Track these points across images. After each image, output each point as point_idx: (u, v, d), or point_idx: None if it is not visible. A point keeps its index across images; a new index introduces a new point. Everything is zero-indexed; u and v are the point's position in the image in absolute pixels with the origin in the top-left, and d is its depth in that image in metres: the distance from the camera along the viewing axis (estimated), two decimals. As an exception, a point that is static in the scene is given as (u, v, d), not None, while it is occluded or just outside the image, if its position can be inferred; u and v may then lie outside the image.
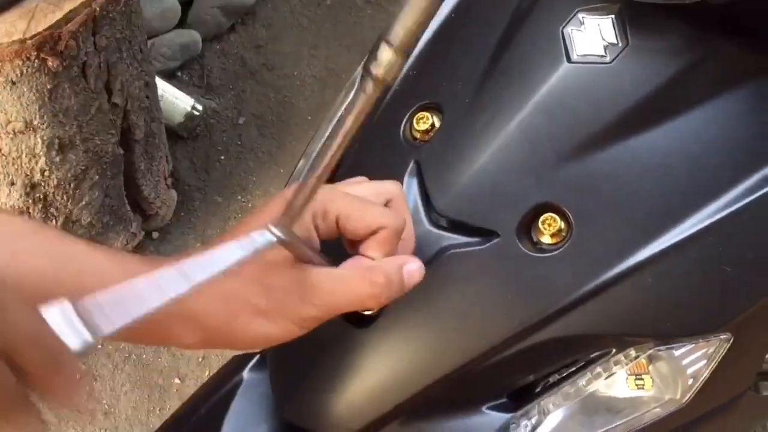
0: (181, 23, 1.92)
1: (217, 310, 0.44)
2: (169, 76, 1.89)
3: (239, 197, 1.79)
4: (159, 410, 1.52)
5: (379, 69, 0.36)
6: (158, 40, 1.85)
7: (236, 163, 1.84)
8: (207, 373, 1.57)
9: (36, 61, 1.17)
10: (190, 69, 1.95)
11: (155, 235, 1.71)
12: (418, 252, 0.57)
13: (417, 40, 0.35)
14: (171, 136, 1.75)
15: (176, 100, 1.77)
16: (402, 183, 0.59)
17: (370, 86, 0.36)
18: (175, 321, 0.43)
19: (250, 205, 1.79)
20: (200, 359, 1.58)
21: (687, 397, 0.59)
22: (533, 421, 0.60)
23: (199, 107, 1.81)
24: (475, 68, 0.60)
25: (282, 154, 1.87)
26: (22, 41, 1.14)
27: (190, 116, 1.79)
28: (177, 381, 1.56)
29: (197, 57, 1.97)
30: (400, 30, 0.35)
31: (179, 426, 0.68)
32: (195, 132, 1.84)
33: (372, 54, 0.36)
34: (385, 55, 0.35)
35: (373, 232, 0.46)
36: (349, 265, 0.46)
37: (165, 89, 1.74)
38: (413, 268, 0.47)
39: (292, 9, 2.10)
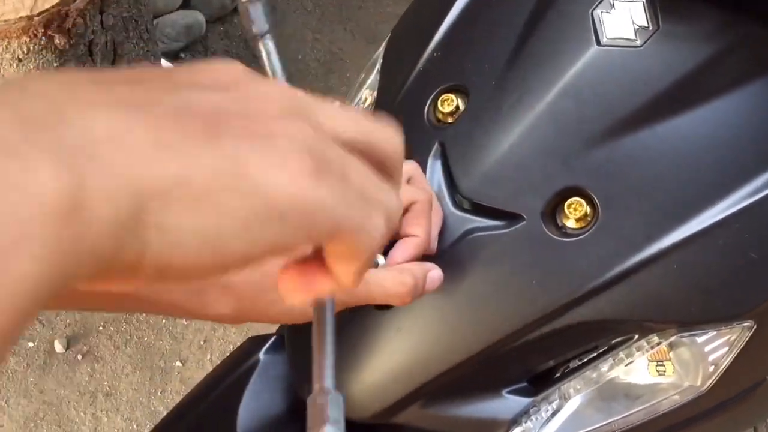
0: (186, 4, 1.90)
1: (252, 281, 0.44)
2: (173, 58, 1.87)
3: (242, 181, 1.79)
4: (160, 393, 1.52)
5: None
6: (162, 20, 1.84)
7: (239, 146, 1.83)
8: (209, 356, 1.57)
9: (43, 38, 1.15)
10: (194, 50, 1.94)
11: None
12: (442, 234, 0.57)
13: None
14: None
15: (180, 81, 1.76)
16: (426, 165, 0.59)
17: None
18: (214, 289, 0.43)
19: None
20: (202, 342, 1.58)
21: (707, 385, 0.59)
22: (554, 405, 0.60)
23: (203, 89, 1.80)
24: (502, 50, 0.60)
25: (285, 138, 1.86)
26: (30, 18, 1.13)
27: (193, 98, 1.77)
28: (178, 364, 1.56)
29: (201, 38, 1.95)
30: None
31: (195, 407, 0.68)
32: (198, 114, 1.83)
33: None
34: None
35: (406, 209, 0.48)
36: (392, 259, 0.49)
37: (169, 70, 1.73)
38: (435, 275, 0.49)
39: (296, -8, 2.09)
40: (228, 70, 0.28)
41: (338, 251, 0.28)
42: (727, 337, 0.57)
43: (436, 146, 0.60)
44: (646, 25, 0.56)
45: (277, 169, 0.25)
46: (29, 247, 0.19)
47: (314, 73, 1.98)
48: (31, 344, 1.56)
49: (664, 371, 0.59)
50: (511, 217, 0.56)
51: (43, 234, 0.19)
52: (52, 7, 1.14)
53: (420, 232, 0.49)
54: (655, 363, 0.59)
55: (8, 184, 0.19)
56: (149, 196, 0.22)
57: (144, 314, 1.60)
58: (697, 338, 0.57)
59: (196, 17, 1.90)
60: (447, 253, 0.57)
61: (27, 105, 0.21)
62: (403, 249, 0.49)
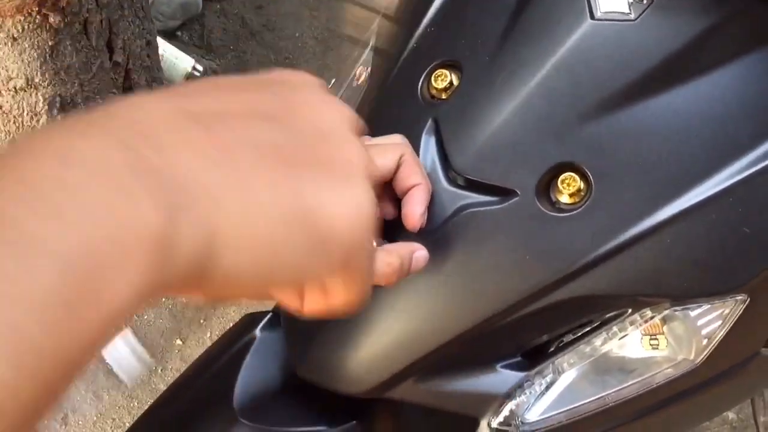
0: (181, -18, 1.89)
1: None
2: (170, 36, 1.86)
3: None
4: (161, 370, 1.53)
5: None
6: (158, -2, 1.82)
7: (237, 125, 1.82)
8: (209, 334, 1.57)
9: (37, 17, 1.15)
10: (191, 29, 1.93)
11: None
12: (435, 211, 0.57)
13: None
14: (171, 96, 1.73)
15: (177, 60, 1.75)
16: (419, 141, 0.59)
17: None
18: None
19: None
20: (202, 321, 1.59)
21: (701, 358, 0.59)
22: (547, 379, 0.60)
23: (200, 68, 1.79)
24: (496, 25, 0.59)
25: (283, 116, 1.85)
26: (24, -4, 1.12)
27: (190, 77, 1.77)
28: (179, 342, 1.56)
29: (197, 16, 1.94)
30: None
31: (192, 383, 0.68)
32: (195, 93, 1.82)
33: None
34: None
35: (398, 166, 0.51)
36: (409, 212, 0.52)
37: (165, 49, 1.72)
38: (421, 255, 0.50)
39: (293, -31, 2.07)
40: (298, 91, 0.34)
41: (345, 280, 0.33)
42: (720, 310, 0.57)
43: (429, 122, 0.59)
44: (640, -1, 0.55)
45: (336, 202, 0.30)
46: (133, 265, 0.24)
47: (311, 50, 1.97)
48: (31, 323, 1.57)
49: (658, 345, 0.59)
50: (504, 193, 0.56)
51: (143, 257, 0.24)
52: (46, -15, 1.13)
53: (420, 179, 0.52)
54: (649, 337, 0.59)
55: (118, 215, 0.23)
56: (219, 235, 0.27)
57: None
58: (690, 312, 0.57)
59: (193, -5, 1.89)
60: (441, 229, 0.57)
61: (133, 140, 0.26)
62: (416, 199, 0.51)
